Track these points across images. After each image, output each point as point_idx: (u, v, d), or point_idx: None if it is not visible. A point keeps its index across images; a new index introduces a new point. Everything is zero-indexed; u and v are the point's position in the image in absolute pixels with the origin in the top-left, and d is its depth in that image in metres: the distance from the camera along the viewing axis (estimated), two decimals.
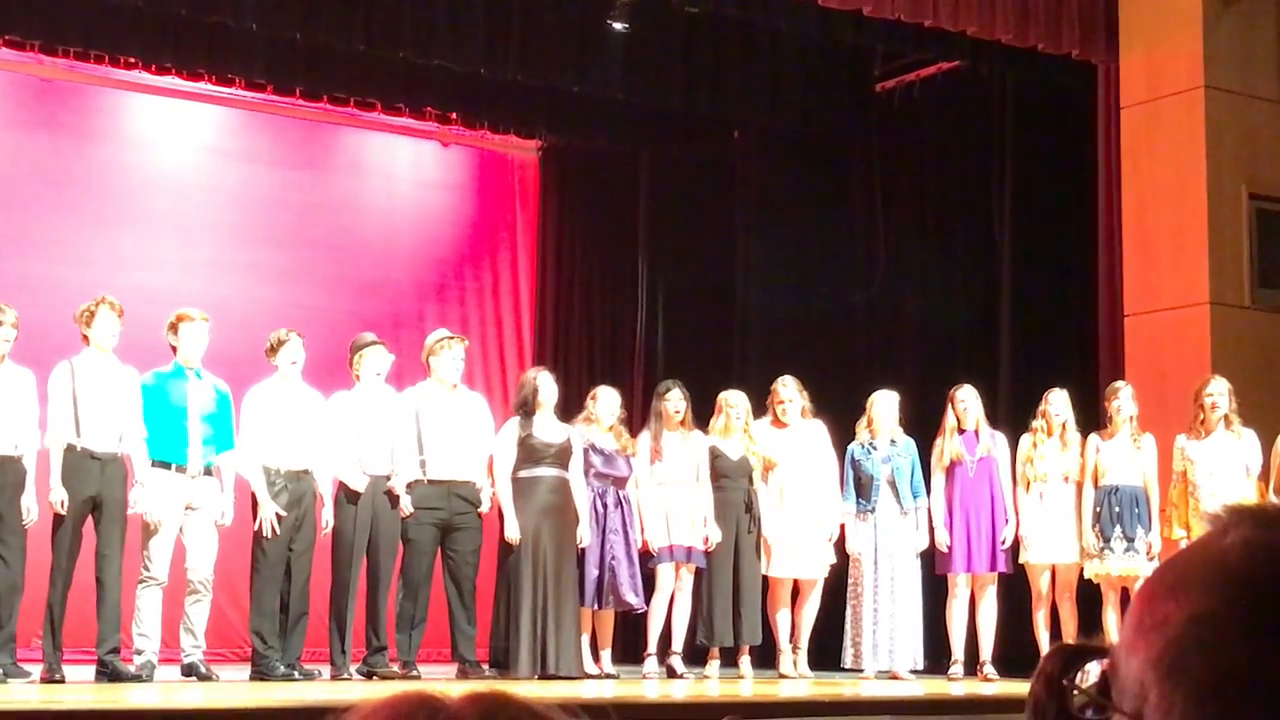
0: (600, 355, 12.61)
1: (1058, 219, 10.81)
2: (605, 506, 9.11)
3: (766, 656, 9.65)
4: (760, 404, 9.68)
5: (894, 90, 11.92)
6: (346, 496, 8.69)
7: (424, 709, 1.07)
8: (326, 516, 8.63)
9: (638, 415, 10.27)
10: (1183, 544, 8.58)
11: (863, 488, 9.51)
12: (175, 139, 11.60)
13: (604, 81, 11.37)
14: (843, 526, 9.53)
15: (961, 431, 9.49)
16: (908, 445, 9.57)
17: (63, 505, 7.86)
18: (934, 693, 8.29)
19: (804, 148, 12.18)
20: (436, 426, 8.91)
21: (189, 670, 8.23)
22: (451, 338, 9.19)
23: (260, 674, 8.33)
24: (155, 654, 8.14)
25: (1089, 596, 9.27)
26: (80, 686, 7.63)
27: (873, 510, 9.47)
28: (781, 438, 9.60)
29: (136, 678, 7.92)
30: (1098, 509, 9.15)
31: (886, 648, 9.38)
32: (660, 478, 9.30)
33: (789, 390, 9.61)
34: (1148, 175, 9.96)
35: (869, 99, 12.02)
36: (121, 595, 8.08)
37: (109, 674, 7.91)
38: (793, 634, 9.54)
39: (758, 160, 12.48)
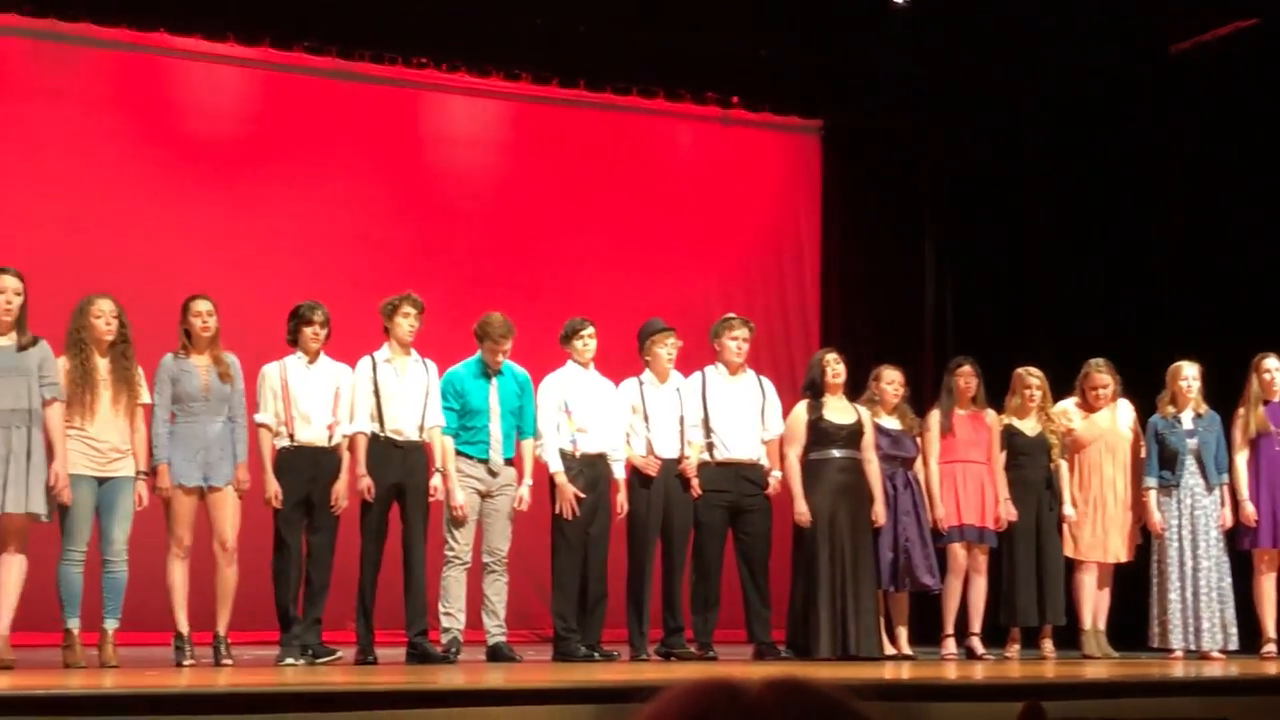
0: (888, 334, 12.47)
1: None
2: (895, 488, 9.04)
3: (1069, 638, 9.45)
4: (1067, 382, 9.48)
5: (1188, 51, 11.50)
6: (640, 480, 8.83)
7: (724, 694, 1.09)
8: (620, 500, 8.78)
9: (929, 393, 10.16)
10: None
11: (1167, 462, 9.23)
12: (471, 135, 11.88)
13: (885, 57, 11.26)
14: (1145, 502, 9.28)
15: (1266, 402, 9.13)
16: (1212, 418, 9.24)
17: (369, 492, 8.19)
18: (1246, 672, 7.99)
19: (1094, 115, 11.84)
20: (722, 410, 8.98)
21: (494, 652, 8.47)
22: (737, 321, 9.21)
23: (563, 655, 8.53)
24: (461, 630, 8.42)
25: None
26: (391, 668, 7.91)
27: (1178, 485, 9.19)
28: (1090, 418, 9.41)
29: (444, 658, 8.19)
30: None
31: (1193, 626, 9.10)
32: (951, 456, 9.20)
33: (1104, 375, 9.39)
34: None
35: (1162, 61, 11.61)
36: (427, 577, 8.38)
37: (418, 655, 8.21)
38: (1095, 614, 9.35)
39: (1046, 130, 12.20)
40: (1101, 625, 9.38)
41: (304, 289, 9.10)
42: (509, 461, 8.65)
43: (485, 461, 8.56)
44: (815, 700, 1.10)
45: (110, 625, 7.56)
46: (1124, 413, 9.45)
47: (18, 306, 7.38)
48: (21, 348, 7.37)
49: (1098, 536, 9.33)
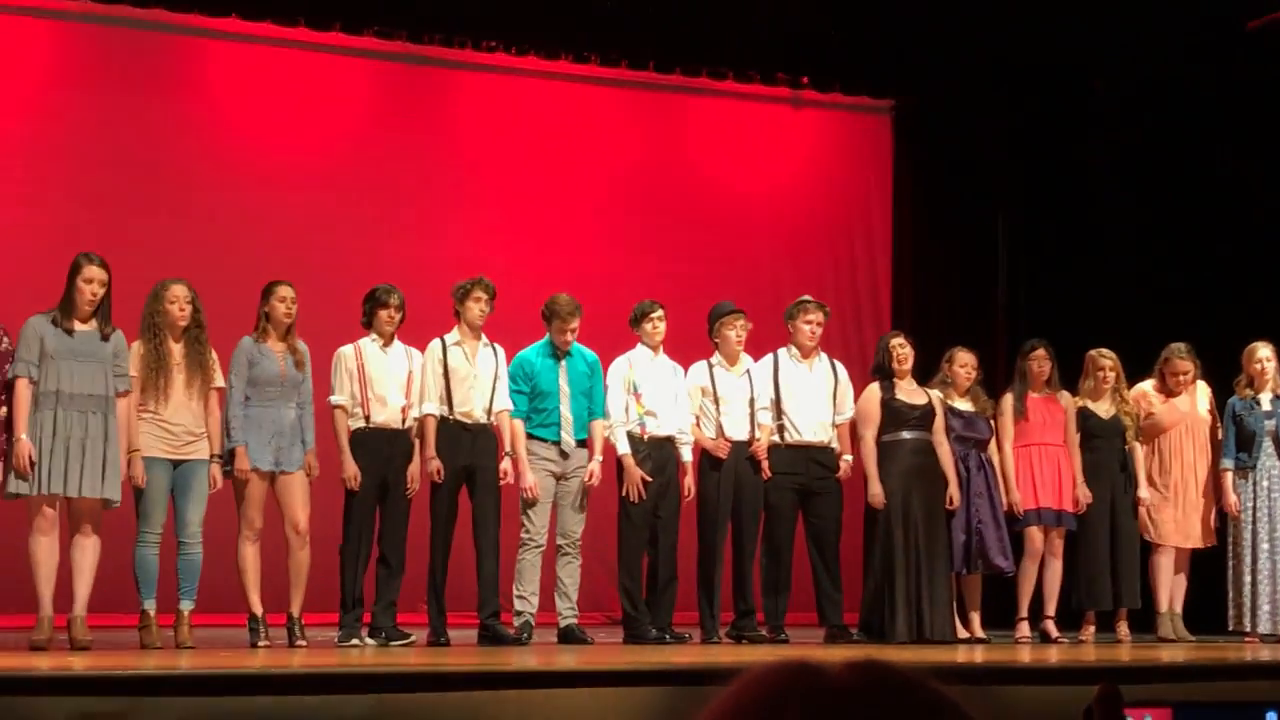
0: (960, 317, 12.38)
1: None
2: (968, 470, 9.00)
3: (1144, 621, 9.36)
4: (1140, 364, 9.39)
5: (1263, 27, 11.32)
6: (710, 463, 8.82)
7: (804, 674, 1.08)
8: (688, 483, 8.77)
9: (1001, 376, 10.09)
10: None
11: (1244, 443, 9.13)
12: (540, 119, 11.86)
13: (957, 37, 11.17)
14: (1221, 483, 9.19)
15: None
16: None
17: (439, 474, 8.23)
18: None
19: (1168, 94, 11.69)
20: (794, 392, 8.96)
21: (565, 634, 8.49)
22: (812, 304, 9.17)
23: (634, 637, 8.54)
24: (533, 614, 8.44)
25: None
26: (464, 649, 7.95)
27: (1254, 467, 9.10)
28: (1170, 402, 9.33)
29: (516, 640, 8.22)
30: None
31: (1268, 608, 9.00)
32: (1026, 439, 9.13)
33: (1185, 360, 9.30)
34: None
35: (1237, 38, 11.44)
36: (499, 560, 8.41)
37: (490, 637, 8.24)
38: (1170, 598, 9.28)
39: (1119, 110, 12.04)
40: (1178, 608, 9.30)
41: (373, 273, 9.13)
42: (581, 443, 8.66)
43: (557, 443, 8.57)
44: (897, 680, 1.09)
45: (185, 606, 7.65)
46: (1202, 396, 9.37)
47: (102, 296, 7.47)
48: (104, 337, 7.47)
49: (1179, 522, 9.26)
